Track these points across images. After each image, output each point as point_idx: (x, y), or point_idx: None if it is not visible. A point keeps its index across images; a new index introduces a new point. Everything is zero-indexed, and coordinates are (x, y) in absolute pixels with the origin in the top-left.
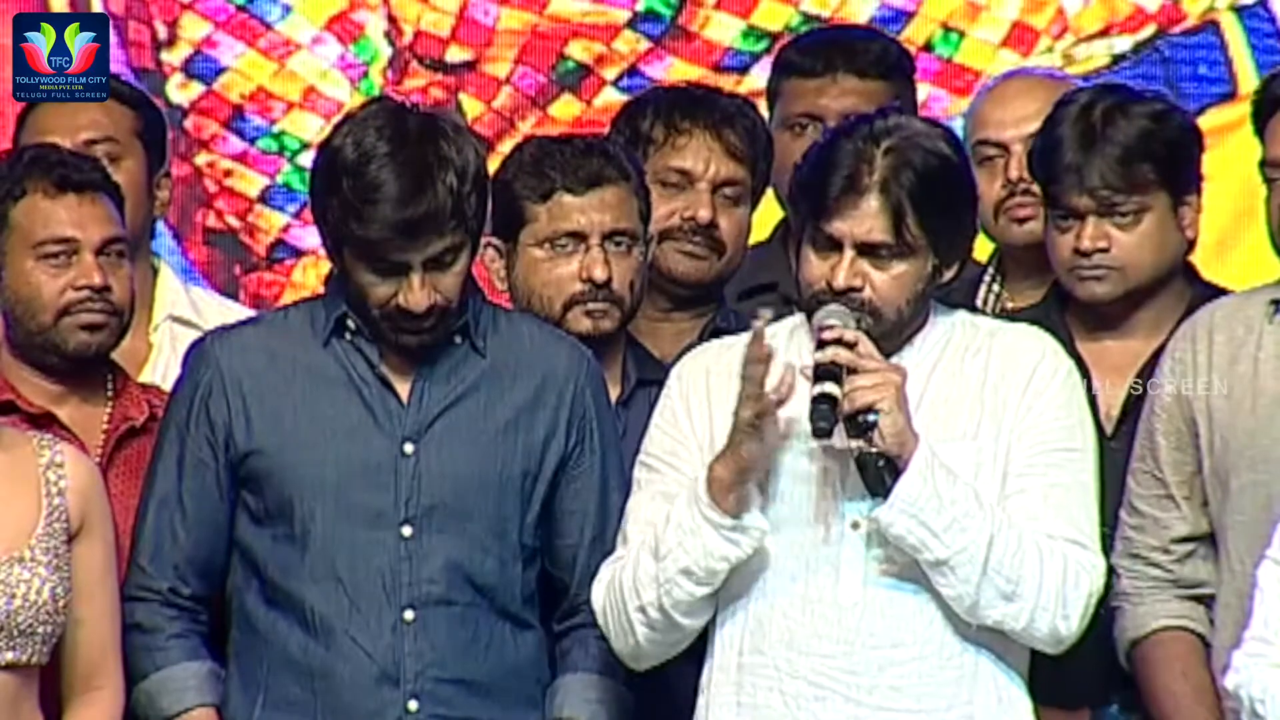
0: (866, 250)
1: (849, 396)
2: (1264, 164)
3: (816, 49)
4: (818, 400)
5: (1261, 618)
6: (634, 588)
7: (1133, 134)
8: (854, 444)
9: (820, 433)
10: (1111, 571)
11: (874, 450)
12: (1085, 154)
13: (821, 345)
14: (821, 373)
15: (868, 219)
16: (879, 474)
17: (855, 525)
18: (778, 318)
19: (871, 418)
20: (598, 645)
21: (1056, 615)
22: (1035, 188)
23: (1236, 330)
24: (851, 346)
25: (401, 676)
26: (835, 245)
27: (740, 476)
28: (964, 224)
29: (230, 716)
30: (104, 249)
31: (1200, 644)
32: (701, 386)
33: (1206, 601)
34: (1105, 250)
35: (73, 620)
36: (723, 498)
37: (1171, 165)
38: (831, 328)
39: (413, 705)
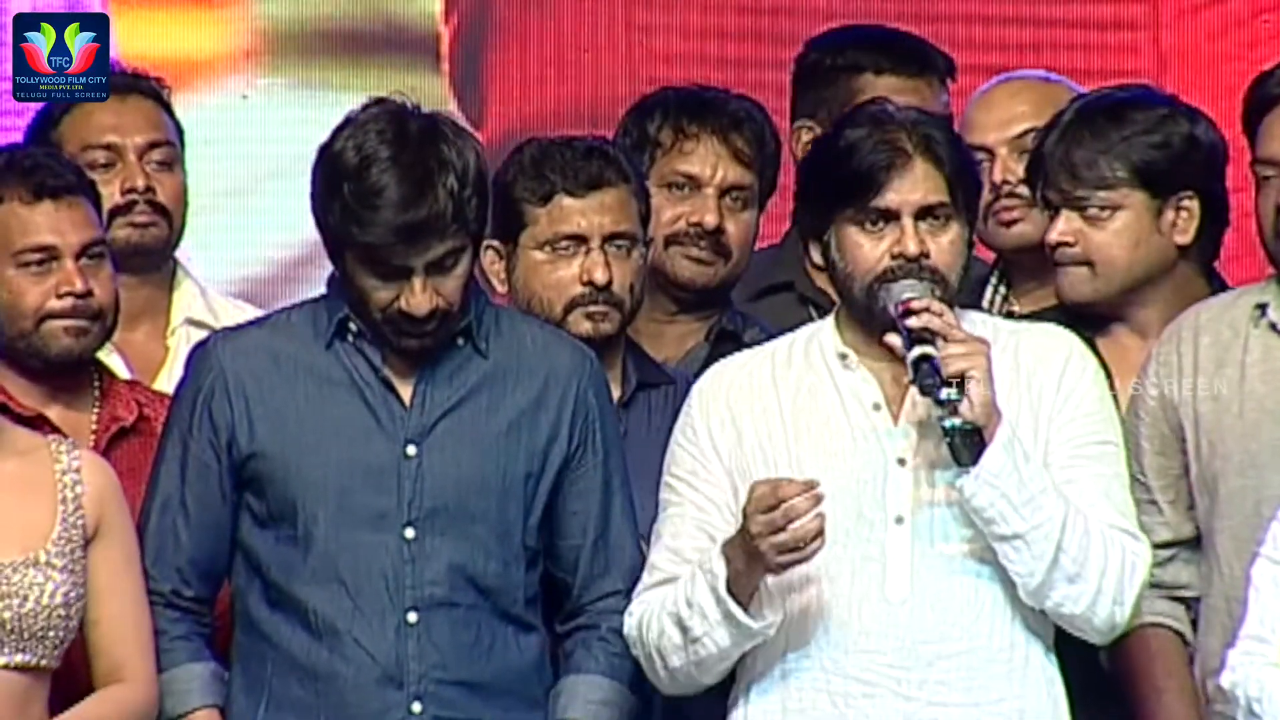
0: (923, 215)
1: (942, 362)
2: (1256, 162)
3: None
4: (919, 361)
5: (1257, 616)
6: (659, 652)
7: (1112, 134)
8: (935, 414)
9: (927, 389)
10: None
11: (959, 421)
12: (1059, 148)
13: (906, 314)
14: (916, 338)
15: (921, 183)
16: (964, 444)
17: (900, 520)
18: (774, 334)
19: (943, 395)
20: (601, 647)
21: (1114, 601)
22: (1020, 190)
23: (1222, 333)
24: (939, 316)
25: (405, 678)
26: (889, 218)
27: (762, 579)
28: (980, 187)
29: (234, 718)
30: (84, 253)
31: (1181, 642)
32: (723, 404)
33: (1187, 602)
34: (1071, 245)
35: (92, 622)
36: (747, 599)
37: (1151, 168)
38: (916, 298)
39: (416, 707)
